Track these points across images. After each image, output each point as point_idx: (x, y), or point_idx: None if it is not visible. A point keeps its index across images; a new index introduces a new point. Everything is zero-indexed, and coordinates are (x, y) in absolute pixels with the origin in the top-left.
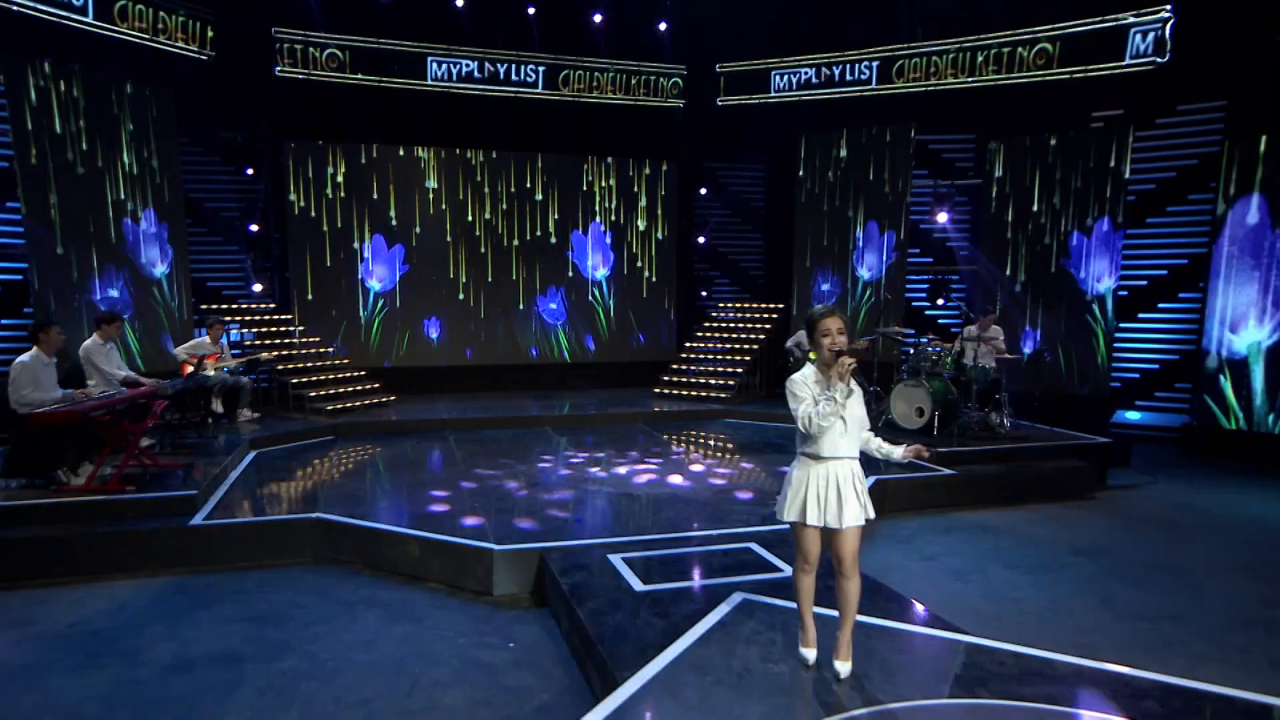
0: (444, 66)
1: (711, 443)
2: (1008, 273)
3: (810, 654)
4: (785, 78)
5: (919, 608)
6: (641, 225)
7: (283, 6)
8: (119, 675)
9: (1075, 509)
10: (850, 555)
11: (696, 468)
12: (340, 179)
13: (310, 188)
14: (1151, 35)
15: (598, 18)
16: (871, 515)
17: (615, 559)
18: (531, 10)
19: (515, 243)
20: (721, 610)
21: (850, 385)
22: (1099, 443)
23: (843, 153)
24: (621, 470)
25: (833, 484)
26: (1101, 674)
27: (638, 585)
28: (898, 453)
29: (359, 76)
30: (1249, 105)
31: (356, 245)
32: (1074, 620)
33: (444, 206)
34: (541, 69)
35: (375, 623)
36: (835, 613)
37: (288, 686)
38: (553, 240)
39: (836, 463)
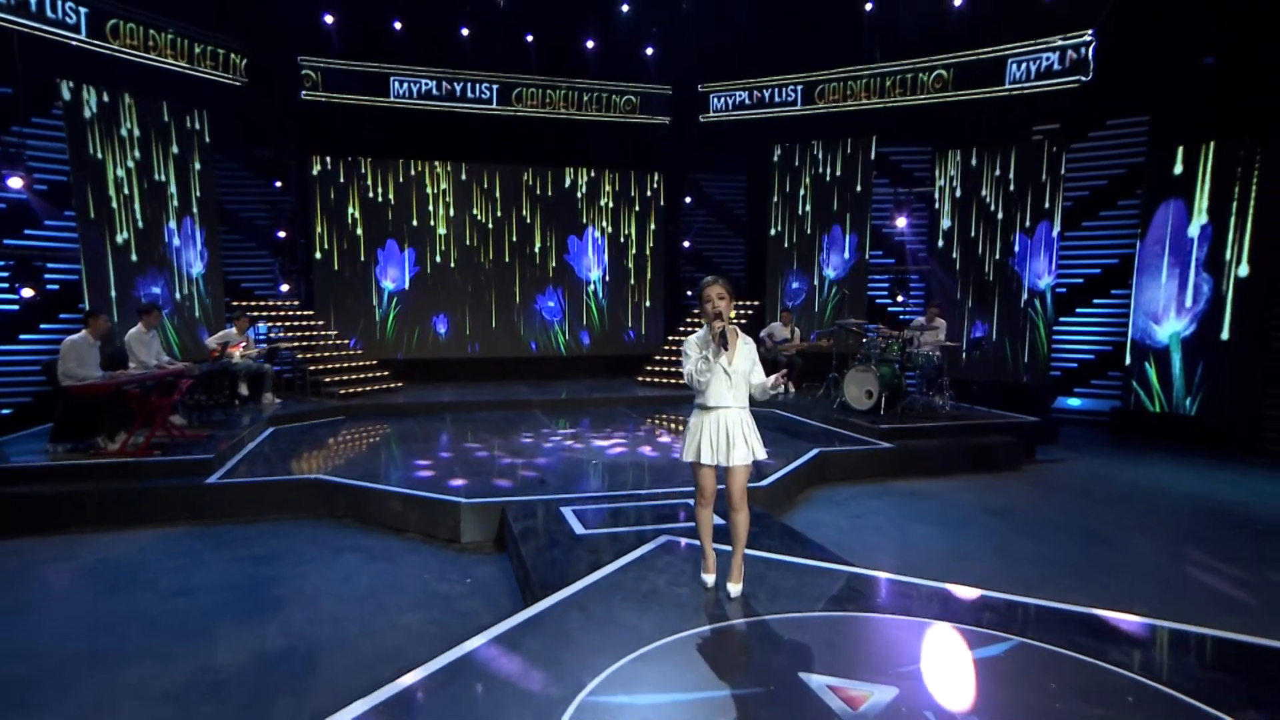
0: (447, 87)
1: (679, 422)
2: (958, 271)
3: (710, 578)
4: (765, 93)
5: (819, 547)
6: (632, 232)
7: (309, 37)
8: (134, 598)
9: (1001, 479)
10: (738, 490)
11: (660, 441)
12: (358, 190)
13: (331, 198)
14: (1074, 56)
15: (590, 44)
16: (760, 456)
17: (566, 510)
18: (530, 37)
19: (517, 246)
20: (646, 548)
21: (720, 346)
22: (1028, 422)
23: (811, 163)
24: (593, 443)
25: (723, 429)
26: (956, 594)
27: (579, 530)
28: (769, 381)
29: (372, 98)
30: (1168, 119)
31: (373, 249)
32: (968, 563)
33: (451, 214)
34: (494, 89)
35: (356, 563)
36: (753, 550)
37: (271, 609)
38: (551, 245)
39: (724, 410)
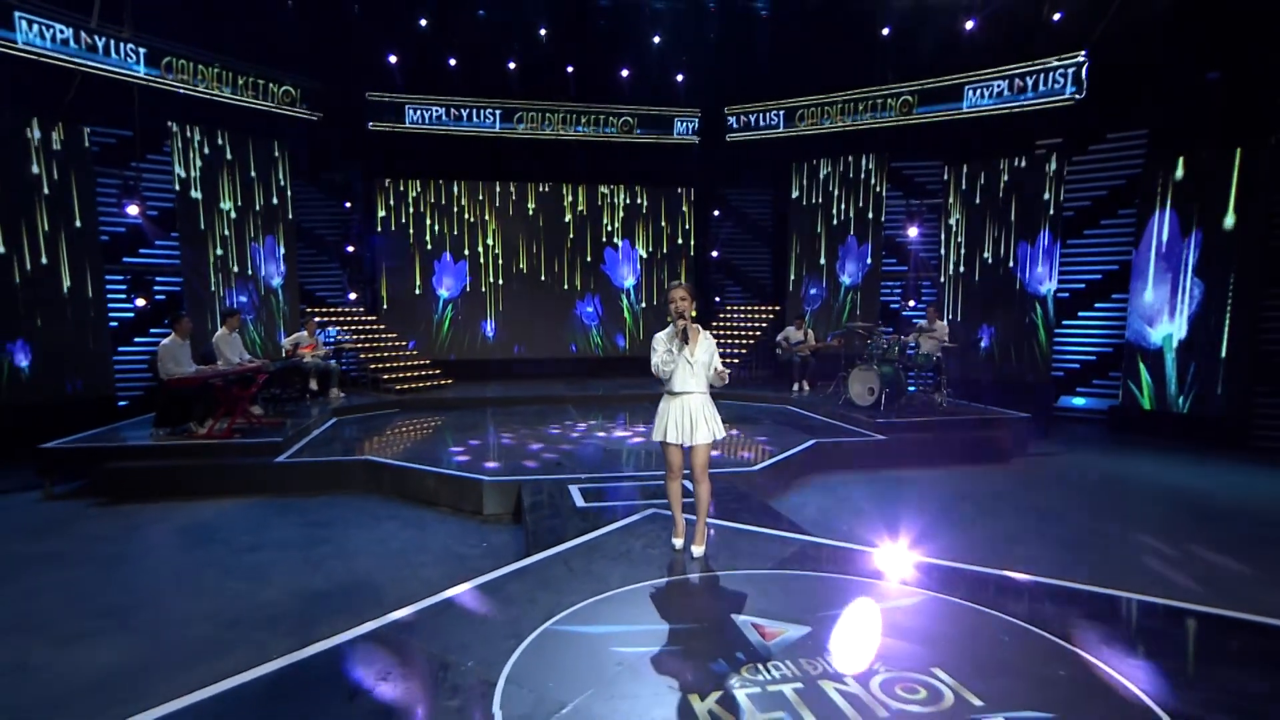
0: (496, 116)
1: None
2: (965, 277)
3: (678, 542)
4: (781, 116)
5: (787, 521)
6: (665, 243)
7: (375, 75)
8: (213, 550)
9: (988, 469)
10: (700, 465)
11: None
12: (417, 209)
13: (393, 216)
14: (1020, 84)
15: (624, 72)
16: (720, 435)
17: (572, 488)
18: (570, 69)
19: (559, 257)
20: (633, 518)
21: (682, 340)
22: (1019, 418)
23: (830, 178)
24: (612, 432)
25: (687, 412)
26: (890, 558)
27: (581, 503)
28: (720, 369)
29: (430, 127)
30: (1164, 133)
31: (430, 261)
32: (928, 538)
33: (500, 229)
34: (538, 115)
35: (393, 529)
36: (728, 521)
37: (320, 561)
38: (590, 256)
39: (687, 396)
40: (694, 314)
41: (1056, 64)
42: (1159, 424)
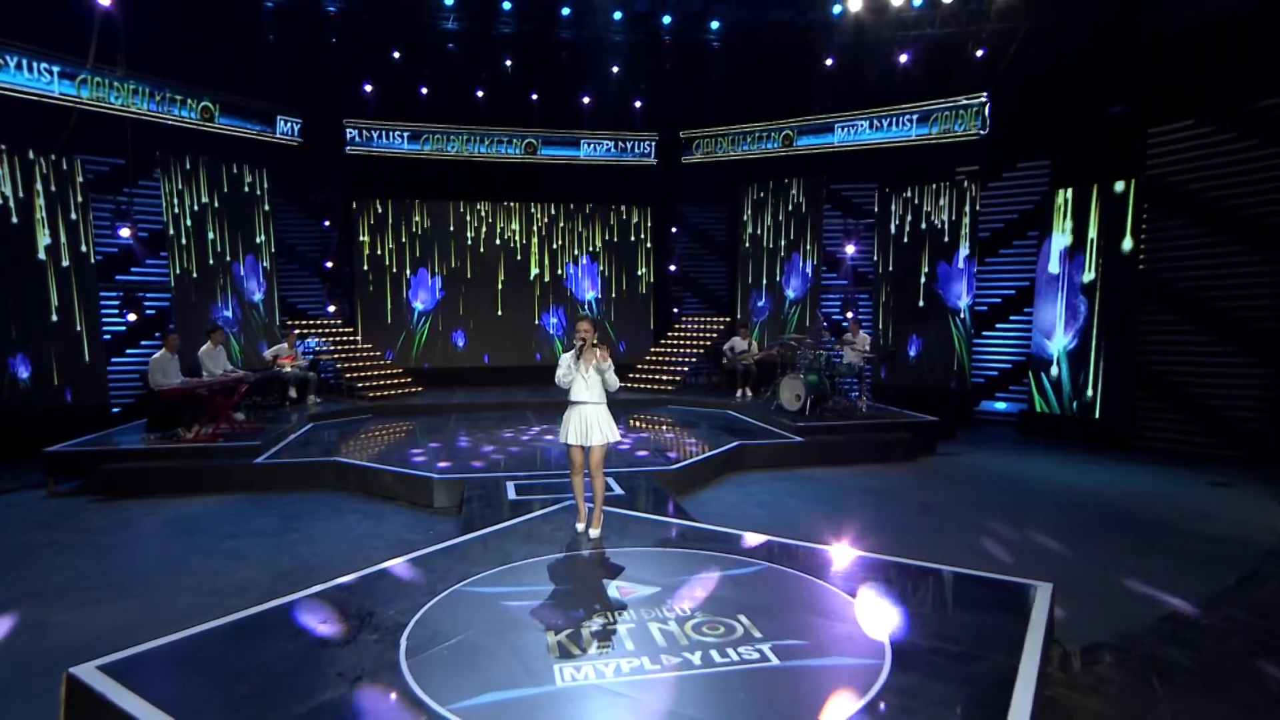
0: (463, 139)
1: (643, 420)
2: (893, 292)
3: (580, 526)
4: (733, 139)
5: (681, 510)
6: (624, 258)
7: (352, 103)
8: (197, 539)
9: (892, 468)
10: (596, 463)
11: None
12: (392, 226)
13: (370, 234)
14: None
15: (585, 99)
16: (614, 439)
17: (509, 484)
18: (534, 96)
19: (525, 272)
20: (551, 508)
21: (579, 359)
22: (929, 421)
23: (776, 197)
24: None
25: (584, 418)
26: (749, 538)
27: (513, 497)
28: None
29: (405, 151)
30: (1060, 164)
31: (406, 276)
32: (815, 526)
33: (469, 246)
34: (505, 138)
35: (354, 520)
36: (628, 510)
37: (288, 546)
38: (554, 270)
39: (585, 405)
40: (595, 341)
41: (965, 101)
42: (1059, 427)
